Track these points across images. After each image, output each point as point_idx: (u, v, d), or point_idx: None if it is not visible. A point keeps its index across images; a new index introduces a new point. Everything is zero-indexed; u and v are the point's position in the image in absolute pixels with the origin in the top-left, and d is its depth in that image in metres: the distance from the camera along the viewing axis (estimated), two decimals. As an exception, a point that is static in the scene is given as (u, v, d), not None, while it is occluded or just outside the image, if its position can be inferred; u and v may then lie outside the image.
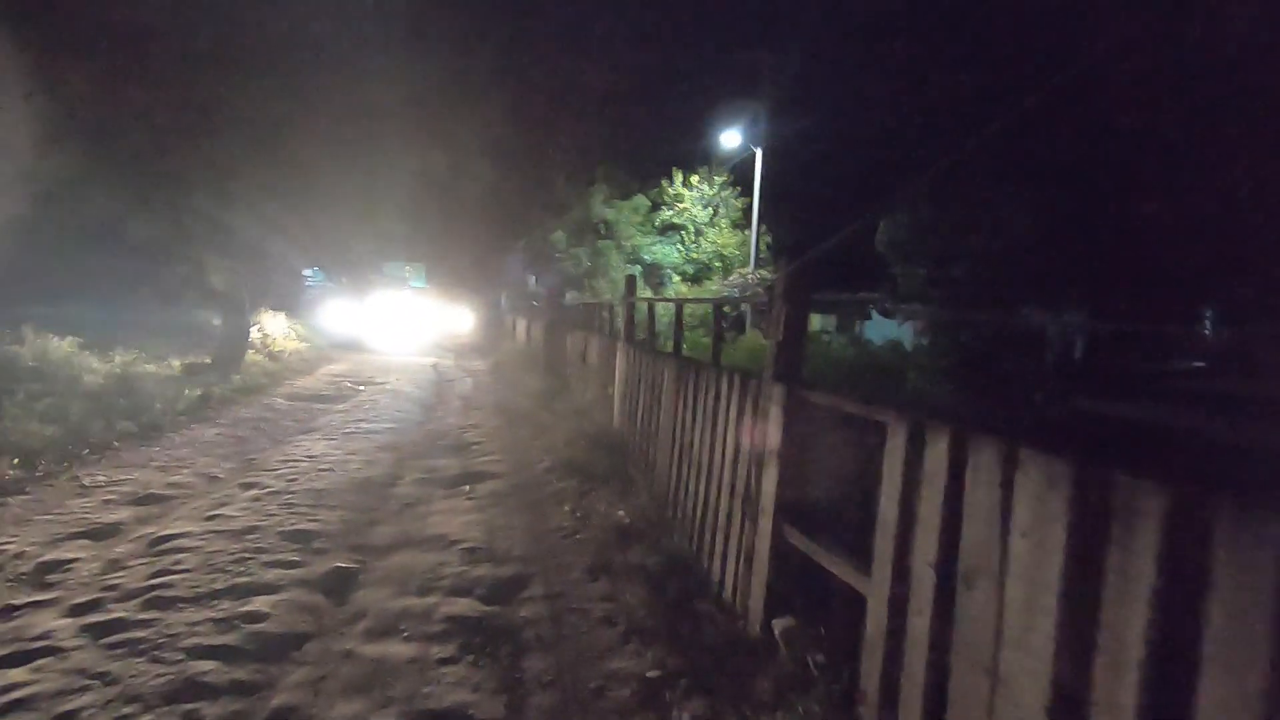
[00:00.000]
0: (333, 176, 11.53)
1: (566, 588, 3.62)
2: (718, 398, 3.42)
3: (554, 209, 24.94)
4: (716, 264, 23.79)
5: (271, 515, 4.63)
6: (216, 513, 4.63)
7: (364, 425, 8.18)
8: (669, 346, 6.27)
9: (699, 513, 3.58)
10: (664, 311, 16.45)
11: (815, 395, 2.61)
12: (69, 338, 7.88)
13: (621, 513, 4.37)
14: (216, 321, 11.11)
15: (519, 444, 7.17)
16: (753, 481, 2.93)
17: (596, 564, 3.80)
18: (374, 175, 12.42)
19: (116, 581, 3.48)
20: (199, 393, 8.55)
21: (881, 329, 25.49)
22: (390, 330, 22.12)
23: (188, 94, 8.89)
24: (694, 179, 24.00)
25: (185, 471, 5.70)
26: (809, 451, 2.71)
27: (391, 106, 11.62)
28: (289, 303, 19.46)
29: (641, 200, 23.97)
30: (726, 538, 3.20)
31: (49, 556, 3.76)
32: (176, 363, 9.90)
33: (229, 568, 3.71)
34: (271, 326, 15.21)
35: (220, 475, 5.67)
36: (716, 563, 3.30)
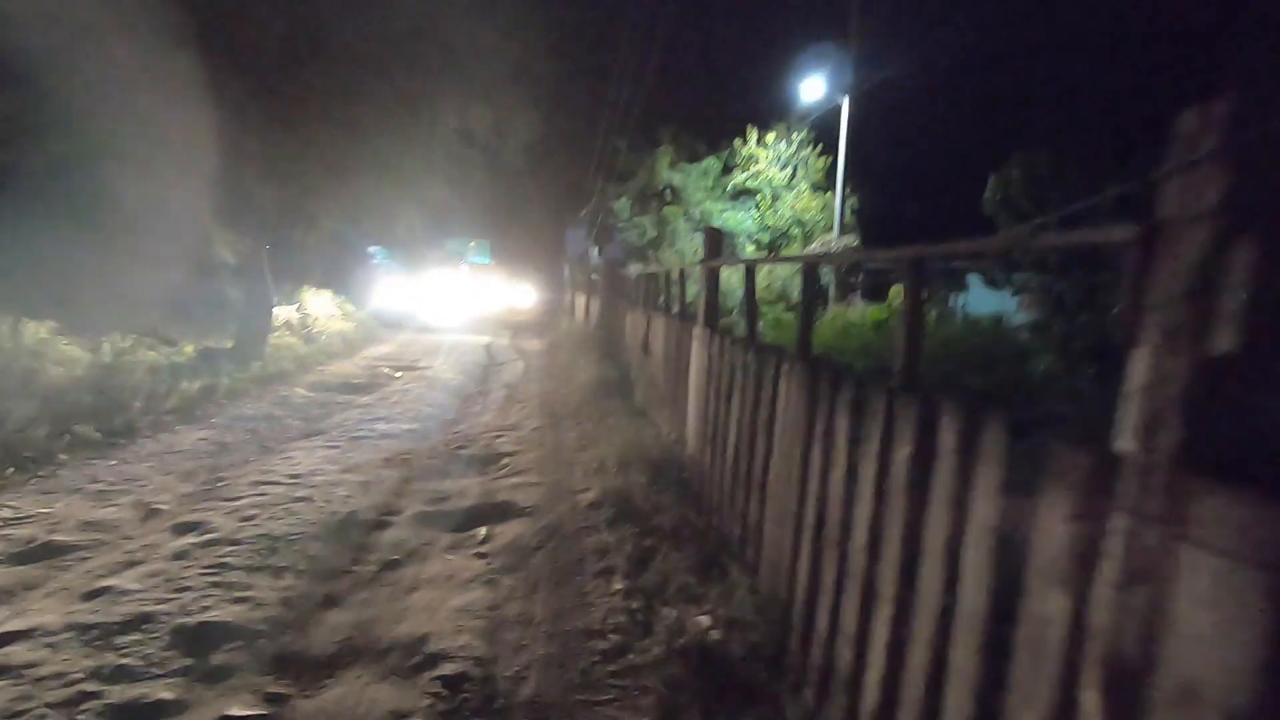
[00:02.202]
0: (380, 142, 10.15)
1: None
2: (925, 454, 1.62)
3: (616, 176, 23.20)
4: (795, 231, 21.50)
5: (183, 590, 3.13)
6: (110, 583, 3.18)
7: (380, 426, 6.73)
8: (768, 336, 4.40)
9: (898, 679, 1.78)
10: (736, 282, 14.50)
11: None
12: (46, 322, 6.72)
13: (705, 619, 2.63)
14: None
15: (560, 459, 5.53)
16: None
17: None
18: (426, 143, 10.99)
19: None
20: (199, 385, 7.31)
21: (984, 302, 22.67)
22: (448, 307, 20.99)
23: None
24: (770, 137, 21.66)
25: (123, 501, 4.33)
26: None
27: (443, 67, 10.11)
28: (348, 280, 18.56)
29: (711, 163, 21.83)
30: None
31: None
32: (190, 347, 8.75)
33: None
34: (316, 305, 14.17)
35: (164, 507, 4.27)
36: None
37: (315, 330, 12.40)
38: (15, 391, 5.50)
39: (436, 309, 20.03)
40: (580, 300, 16.57)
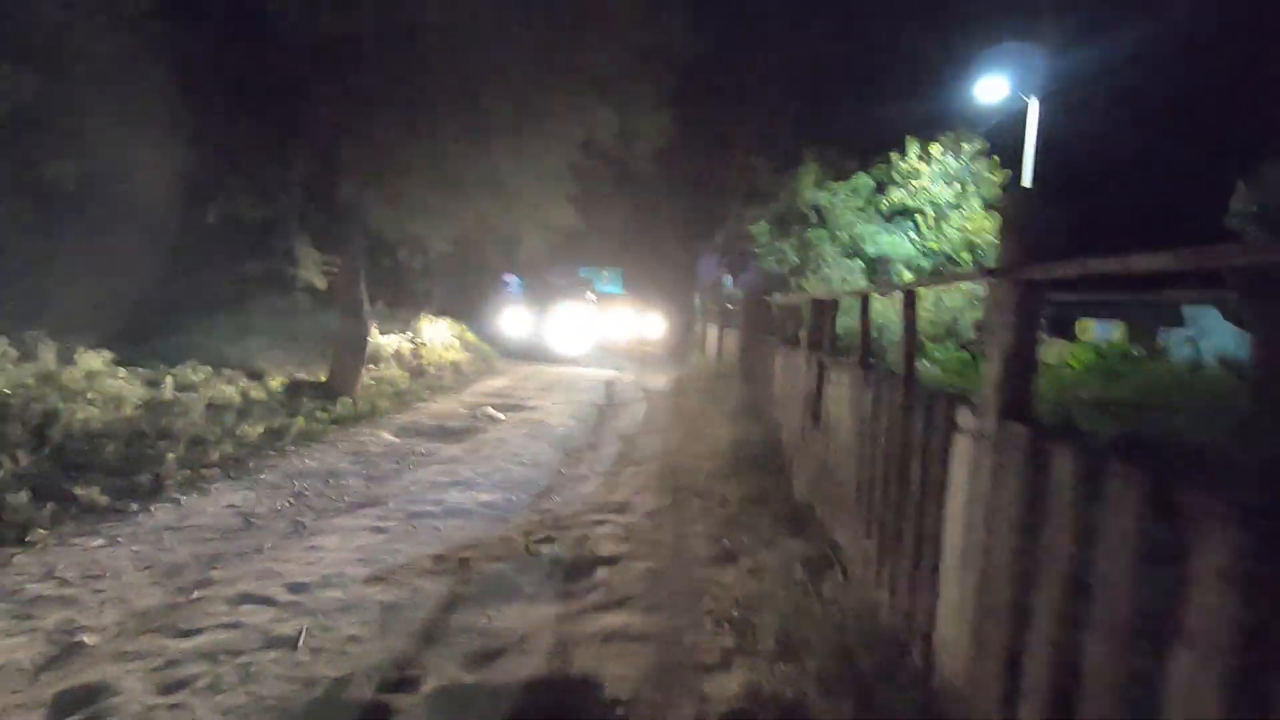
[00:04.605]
0: (496, 156, 9.04)
1: None
2: None
3: (754, 197, 21.32)
4: (964, 255, 18.43)
5: None
6: None
7: (453, 495, 5.20)
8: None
9: None
10: (889, 320, 12.03)
11: None
12: (103, 351, 5.86)
13: None
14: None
15: (683, 581, 3.63)
16: None
17: None
18: (547, 157, 9.79)
19: None
20: (263, 429, 6.20)
21: (1218, 338, 18.18)
22: (575, 338, 19.91)
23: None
24: (934, 149, 18.84)
25: (43, 624, 2.97)
26: None
27: (567, 69, 8.89)
28: (475, 308, 17.98)
29: (863, 180, 19.36)
30: None
31: None
32: (277, 381, 7.83)
33: None
34: (432, 333, 13.38)
35: (87, 641, 2.85)
36: None
37: (425, 362, 11.44)
38: (19, 440, 4.49)
39: (562, 339, 18.98)
40: (712, 333, 14.76)
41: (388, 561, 3.83)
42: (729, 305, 16.47)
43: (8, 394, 4.80)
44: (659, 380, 13.66)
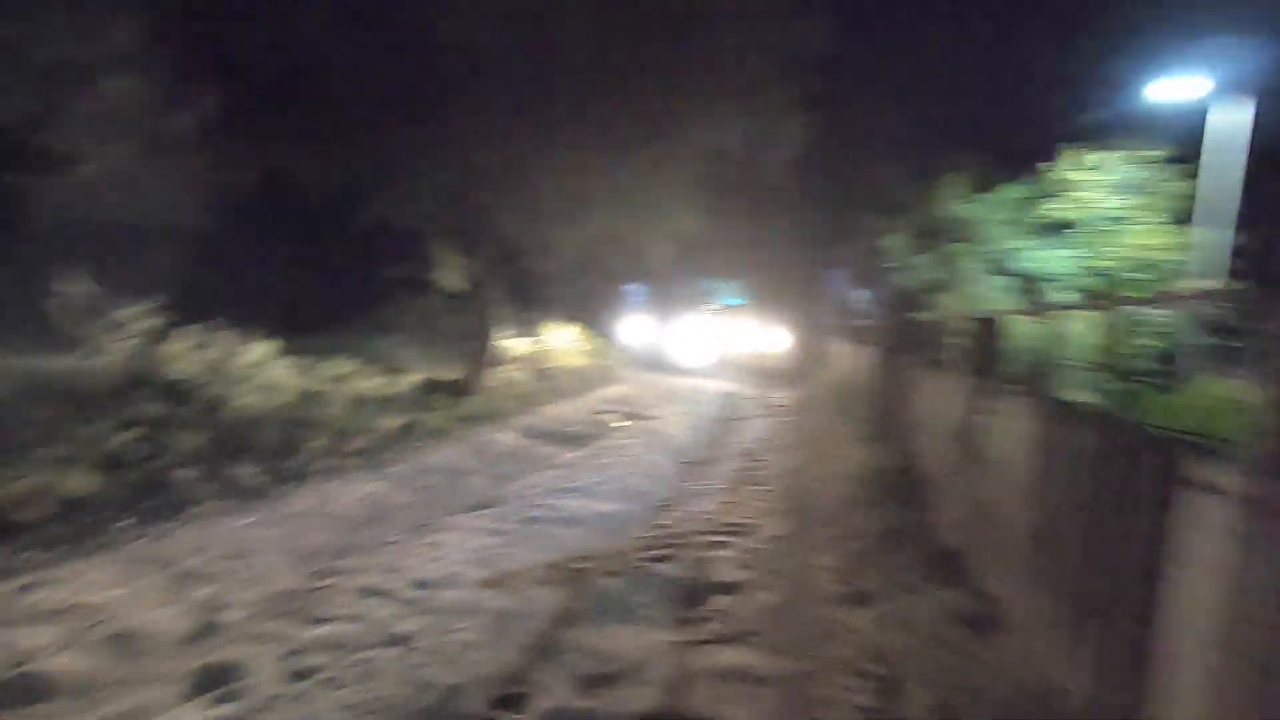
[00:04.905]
0: (626, 167, 9.12)
1: None
2: None
3: (888, 208, 20.21)
4: (1139, 275, 16.45)
5: None
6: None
7: (570, 502, 5.14)
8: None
9: None
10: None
11: None
12: (265, 343, 6.37)
13: None
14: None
15: (810, 621, 3.31)
16: None
17: None
18: (677, 168, 9.76)
19: None
20: (398, 423, 6.49)
21: None
22: (696, 349, 19.73)
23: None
24: (1099, 157, 17.01)
25: (190, 598, 3.15)
26: None
27: (702, 91, 8.82)
28: (599, 314, 18.29)
29: (1013, 191, 17.83)
30: None
31: None
32: (413, 378, 8.22)
33: None
34: (557, 339, 13.68)
35: (226, 619, 2.99)
36: None
37: (548, 366, 11.68)
38: (193, 420, 4.92)
39: (683, 350, 18.88)
40: (840, 350, 14.04)
41: (504, 566, 3.79)
42: (859, 321, 15.67)
43: (187, 378, 5.30)
44: (781, 396, 13.17)
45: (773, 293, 27.76)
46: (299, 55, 5.66)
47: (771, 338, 25.16)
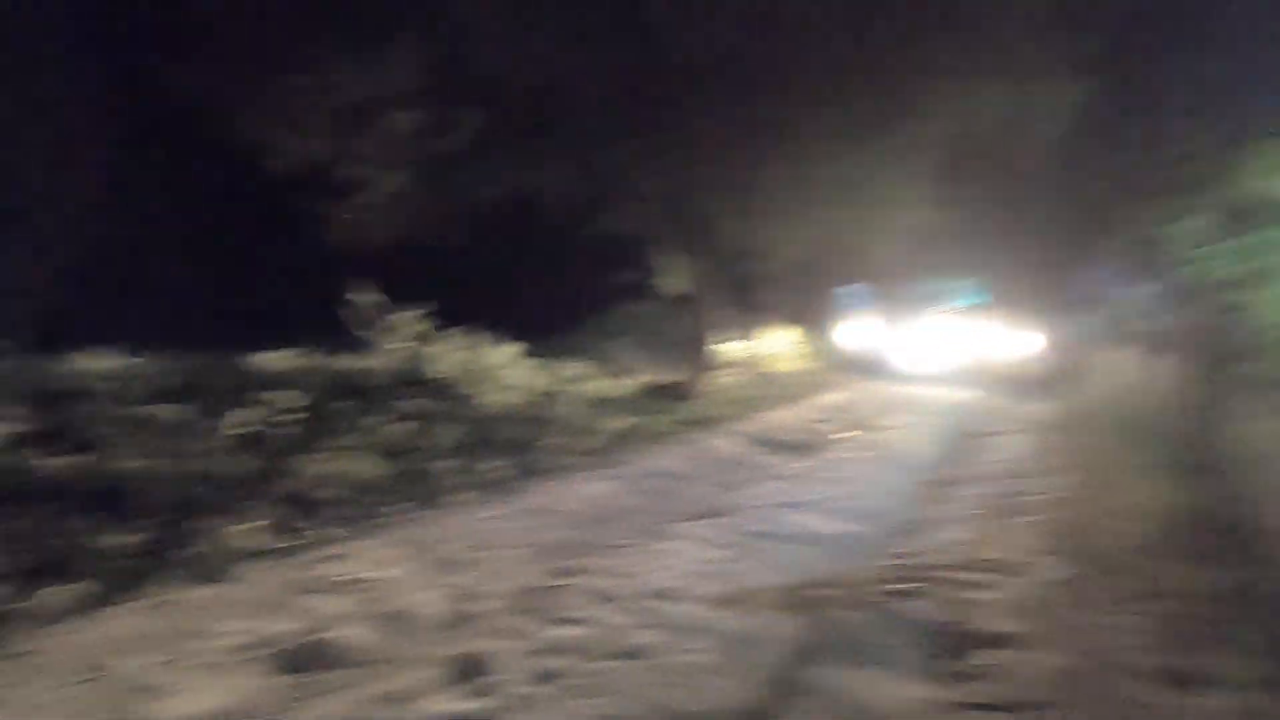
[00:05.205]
0: (857, 158, 8.64)
1: None
2: None
3: (1179, 188, 16.78)
4: None
5: None
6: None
7: (796, 517, 4.81)
8: None
9: None
10: None
11: None
12: (510, 345, 6.92)
13: None
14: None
15: (1116, 693, 2.66)
16: None
17: None
18: (912, 156, 9.04)
19: None
20: (623, 425, 6.65)
21: None
22: (927, 353, 18.03)
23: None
24: None
25: (445, 584, 3.39)
26: None
27: (951, 64, 8.05)
28: (810, 316, 17.58)
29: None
30: None
31: None
32: (635, 381, 8.44)
33: None
34: (770, 342, 13.32)
35: (475, 609, 3.15)
36: None
37: (765, 370, 11.37)
38: (448, 414, 5.43)
39: (912, 354, 17.36)
40: (1116, 357, 11.88)
41: (733, 583, 3.60)
42: (1138, 323, 13.14)
43: (447, 377, 5.90)
44: (1036, 409, 11.47)
45: (1022, 289, 24.51)
46: (546, 74, 6.04)
47: (1020, 341, 22.21)
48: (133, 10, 6.09)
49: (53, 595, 2.81)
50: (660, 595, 3.39)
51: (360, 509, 4.13)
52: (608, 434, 6.41)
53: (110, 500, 3.34)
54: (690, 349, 8.89)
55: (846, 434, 8.14)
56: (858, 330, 17.53)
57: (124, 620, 2.86)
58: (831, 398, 11.42)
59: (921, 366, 16.61)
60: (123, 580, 3.06)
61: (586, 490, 5.10)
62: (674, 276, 8.69)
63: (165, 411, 3.94)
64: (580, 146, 6.91)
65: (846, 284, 19.39)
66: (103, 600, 2.93)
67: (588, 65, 6.25)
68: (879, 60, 7.85)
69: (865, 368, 16.12)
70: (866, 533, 4.61)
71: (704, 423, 7.78)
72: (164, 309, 7.14)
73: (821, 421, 8.86)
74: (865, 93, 8.08)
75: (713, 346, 9.26)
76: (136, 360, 4.63)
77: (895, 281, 18.46)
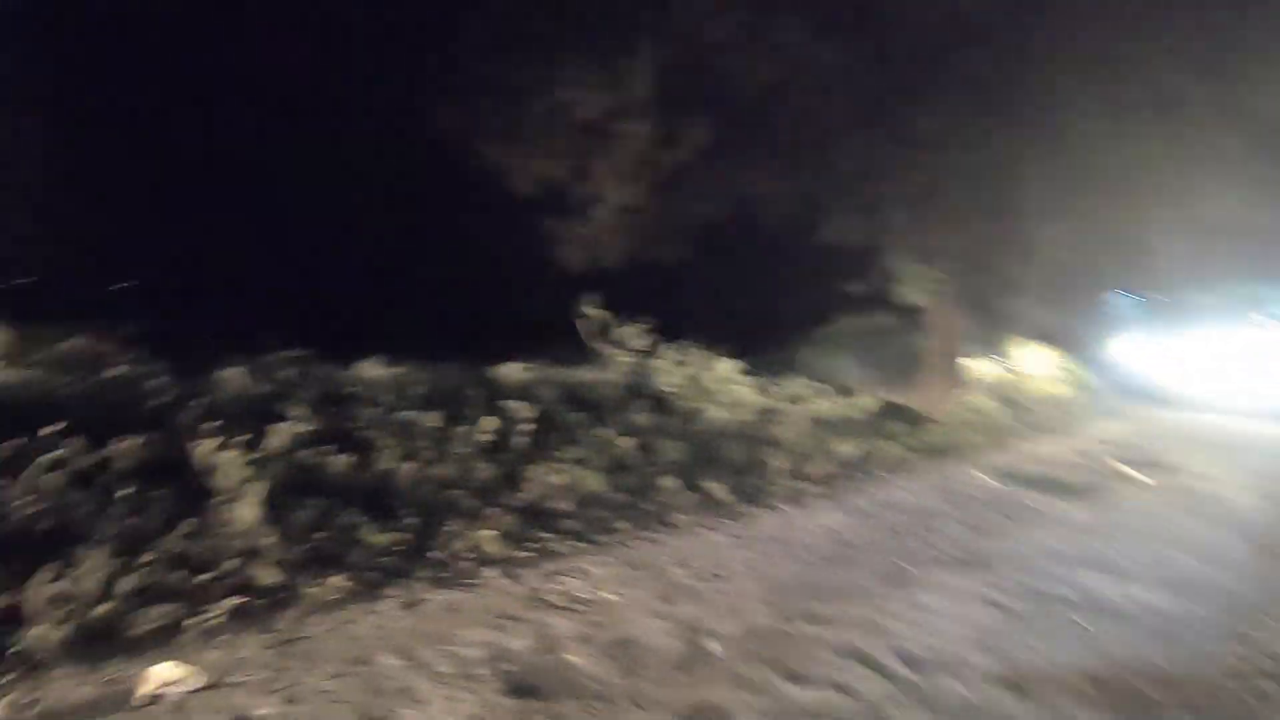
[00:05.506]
0: (1145, 148, 7.29)
1: None
2: None
3: None
4: None
5: None
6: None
7: (1091, 580, 3.88)
8: None
9: None
10: None
11: None
12: (729, 360, 6.64)
13: None
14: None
15: None
16: None
17: None
18: (1222, 141, 7.42)
19: None
20: (853, 449, 6.04)
21: None
22: (1230, 378, 14.56)
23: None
24: None
25: (680, 615, 3.15)
26: None
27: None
28: (1073, 330, 15.12)
29: None
30: None
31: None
32: (864, 400, 7.72)
33: None
34: (1028, 361, 11.58)
35: (710, 647, 2.86)
36: None
37: (1021, 393, 9.86)
38: (671, 430, 5.29)
39: (1209, 377, 14.14)
40: None
41: (1018, 659, 2.91)
42: None
43: (669, 392, 5.79)
44: None
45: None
46: (782, 71, 5.74)
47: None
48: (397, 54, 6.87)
49: (323, 586, 3.05)
50: (920, 663, 2.84)
51: (588, 523, 4.08)
52: (837, 459, 5.85)
53: (376, 499, 3.62)
54: (928, 367, 7.94)
55: (1134, 475, 6.66)
56: (1137, 347, 14.68)
57: (381, 617, 3.02)
58: (1107, 428, 9.60)
59: (1219, 392, 13.40)
60: (382, 575, 3.26)
61: (820, 521, 4.62)
62: (910, 286, 7.83)
63: (426, 418, 4.24)
64: (813, 148, 6.48)
65: (1123, 292, 16.35)
66: (363, 594, 3.14)
67: (827, 57, 5.81)
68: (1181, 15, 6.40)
69: (1146, 393, 13.44)
70: (1196, 610, 3.56)
71: (948, 451, 6.86)
72: (423, 322, 7.95)
73: (1097, 457, 7.39)
74: (1161, 59, 6.63)
75: (956, 364, 8.19)
76: (400, 369, 5.10)
77: (1185, 289, 15.19)
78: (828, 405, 7.04)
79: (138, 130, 7.20)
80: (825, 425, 6.51)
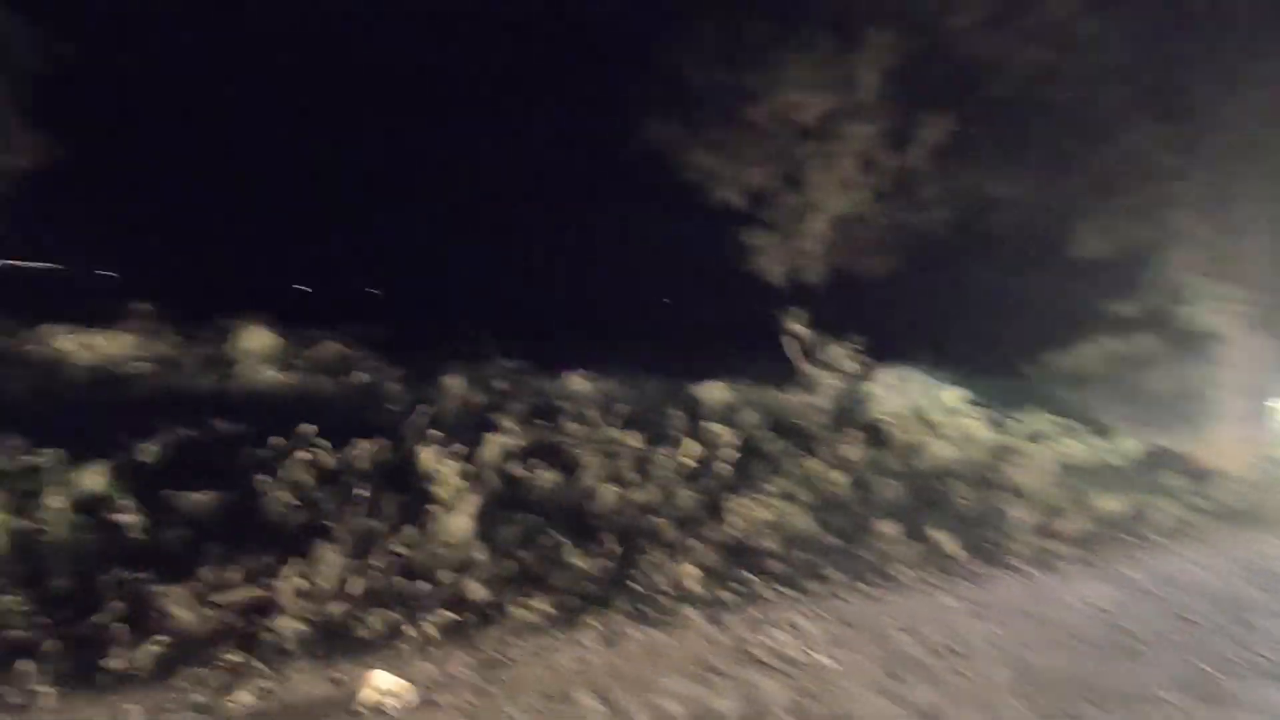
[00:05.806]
0: None
1: None
2: None
3: None
4: None
5: None
6: None
7: None
8: None
9: None
10: None
11: None
12: (954, 389, 5.83)
13: None
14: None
15: None
16: None
17: None
18: None
19: None
20: (1120, 507, 4.98)
21: None
22: None
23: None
24: None
25: (912, 694, 2.67)
26: None
27: None
28: None
29: None
30: None
31: None
32: (1127, 445, 6.42)
33: None
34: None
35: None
36: None
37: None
38: (890, 467, 4.70)
39: None
40: None
41: None
42: None
43: (884, 421, 5.20)
44: None
45: None
46: (1043, 56, 4.92)
47: None
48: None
49: (527, 607, 3.00)
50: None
51: (796, 567, 3.70)
52: (1096, 515, 4.85)
53: (578, 519, 3.56)
54: (1219, 407, 6.43)
55: None
56: None
57: (581, 648, 2.90)
58: None
59: None
60: (583, 602, 3.15)
61: (1080, 594, 3.80)
62: (1199, 306, 6.37)
63: (628, 437, 4.14)
64: (1078, 143, 5.48)
65: None
66: (564, 620, 3.04)
67: (1107, 35, 4.86)
68: None
69: None
70: None
71: (1251, 517, 5.43)
72: (624, 334, 8.02)
73: None
74: None
75: (1259, 406, 6.55)
76: (605, 383, 5.09)
77: None
78: (1079, 447, 5.93)
79: (387, 151, 8.13)
80: (1077, 472, 5.47)
